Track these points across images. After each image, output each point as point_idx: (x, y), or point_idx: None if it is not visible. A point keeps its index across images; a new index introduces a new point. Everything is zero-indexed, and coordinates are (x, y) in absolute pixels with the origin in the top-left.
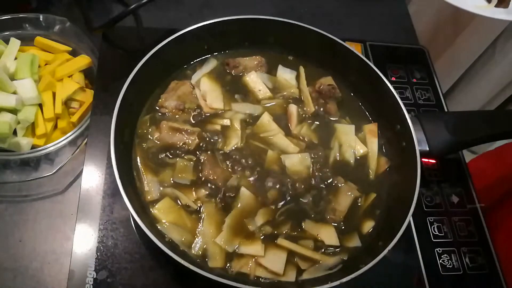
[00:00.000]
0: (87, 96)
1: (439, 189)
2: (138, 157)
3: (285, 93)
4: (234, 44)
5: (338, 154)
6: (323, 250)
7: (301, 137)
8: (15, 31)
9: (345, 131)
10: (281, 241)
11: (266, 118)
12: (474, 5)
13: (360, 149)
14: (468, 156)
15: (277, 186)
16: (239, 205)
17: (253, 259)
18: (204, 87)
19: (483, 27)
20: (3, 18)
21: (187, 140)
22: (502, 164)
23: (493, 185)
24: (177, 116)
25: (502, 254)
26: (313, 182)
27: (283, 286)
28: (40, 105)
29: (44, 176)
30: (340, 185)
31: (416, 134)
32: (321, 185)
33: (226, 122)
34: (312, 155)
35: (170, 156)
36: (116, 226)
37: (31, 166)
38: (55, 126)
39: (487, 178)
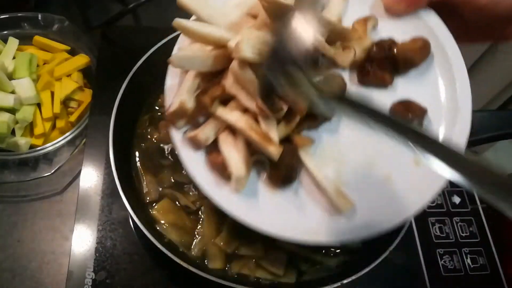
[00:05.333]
0: (86, 96)
1: None
2: (137, 157)
3: None
4: None
5: None
6: (323, 251)
7: None
8: (14, 30)
9: None
10: (281, 242)
11: None
12: None
13: None
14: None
15: None
16: None
17: (253, 260)
18: None
19: None
20: (1, 17)
21: None
22: None
23: None
24: None
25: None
26: None
27: (284, 287)
28: (39, 105)
29: (43, 176)
30: None
31: None
32: None
33: None
34: None
35: (170, 157)
36: (115, 226)
37: (29, 166)
38: (54, 126)
39: None
